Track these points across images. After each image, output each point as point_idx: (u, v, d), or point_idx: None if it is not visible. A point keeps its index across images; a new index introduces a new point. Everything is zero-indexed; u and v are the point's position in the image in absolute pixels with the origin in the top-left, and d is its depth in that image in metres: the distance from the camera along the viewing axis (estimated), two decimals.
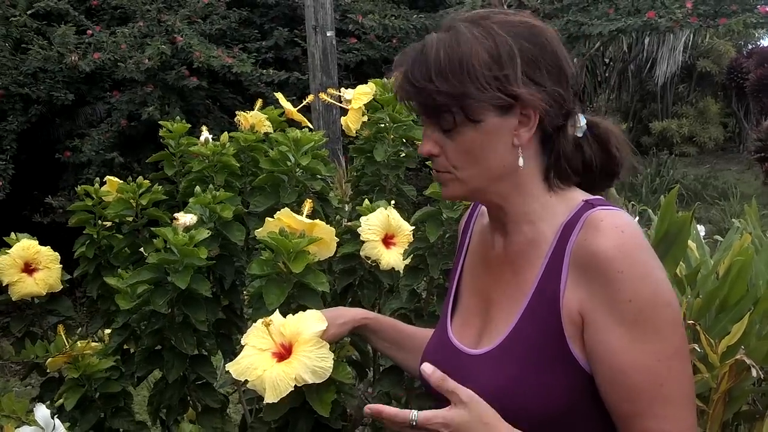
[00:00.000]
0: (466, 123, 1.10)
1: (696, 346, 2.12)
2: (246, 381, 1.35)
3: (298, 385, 1.33)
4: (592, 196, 1.16)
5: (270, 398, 1.31)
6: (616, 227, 1.07)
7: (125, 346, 1.88)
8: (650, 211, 3.92)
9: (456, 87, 1.08)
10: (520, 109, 1.10)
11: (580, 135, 1.17)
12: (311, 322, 1.38)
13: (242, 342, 1.40)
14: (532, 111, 1.10)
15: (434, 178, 1.20)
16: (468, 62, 1.08)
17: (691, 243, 2.64)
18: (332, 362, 1.35)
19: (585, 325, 1.07)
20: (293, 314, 1.43)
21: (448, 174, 1.16)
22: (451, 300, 1.31)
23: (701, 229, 3.09)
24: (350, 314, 1.46)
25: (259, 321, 1.41)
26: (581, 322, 1.08)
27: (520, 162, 1.12)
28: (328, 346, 1.37)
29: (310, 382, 1.34)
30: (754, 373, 2.01)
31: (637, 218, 3.24)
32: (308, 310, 1.42)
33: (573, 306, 1.08)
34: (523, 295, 1.14)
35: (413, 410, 1.06)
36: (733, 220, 6.50)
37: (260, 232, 1.63)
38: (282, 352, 1.37)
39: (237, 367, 1.35)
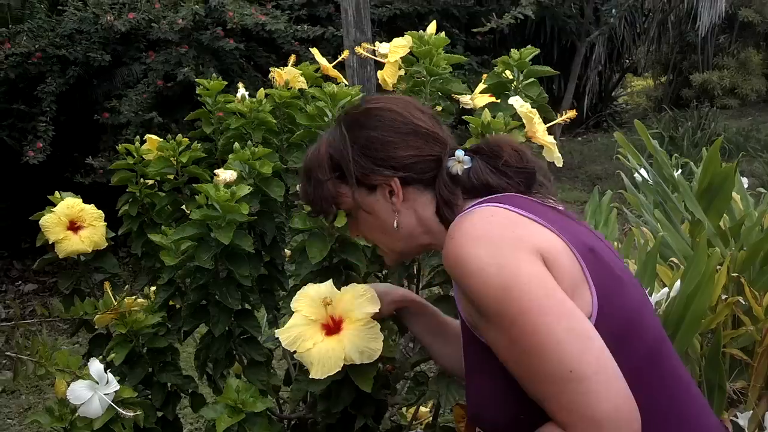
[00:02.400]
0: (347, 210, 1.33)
1: (740, 299, 2.09)
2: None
3: (346, 364, 1.33)
4: (471, 203, 1.21)
5: (316, 374, 1.32)
6: (450, 237, 1.13)
7: (171, 302, 1.91)
8: (692, 164, 3.86)
9: (313, 190, 1.31)
10: (381, 184, 1.26)
11: (468, 166, 1.25)
12: (365, 302, 1.37)
13: (292, 306, 1.40)
14: (393, 182, 1.25)
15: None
16: (313, 168, 1.31)
17: (735, 195, 2.60)
18: (381, 344, 1.35)
19: (476, 327, 1.15)
20: (336, 270, 1.44)
21: (378, 248, 1.37)
22: None
23: (744, 182, 3.04)
24: (399, 293, 1.51)
25: (311, 287, 1.41)
26: (476, 327, 1.15)
27: (395, 224, 1.27)
28: (379, 326, 1.36)
29: (358, 362, 1.34)
30: None
31: (679, 171, 3.18)
32: (361, 286, 1.41)
33: (465, 313, 1.18)
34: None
35: None
36: None
37: None
38: (332, 325, 1.37)
39: (287, 335, 1.36)
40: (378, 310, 1.36)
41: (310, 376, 1.33)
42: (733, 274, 2.13)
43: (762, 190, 3.87)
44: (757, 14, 12.09)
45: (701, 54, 12.28)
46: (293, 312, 1.40)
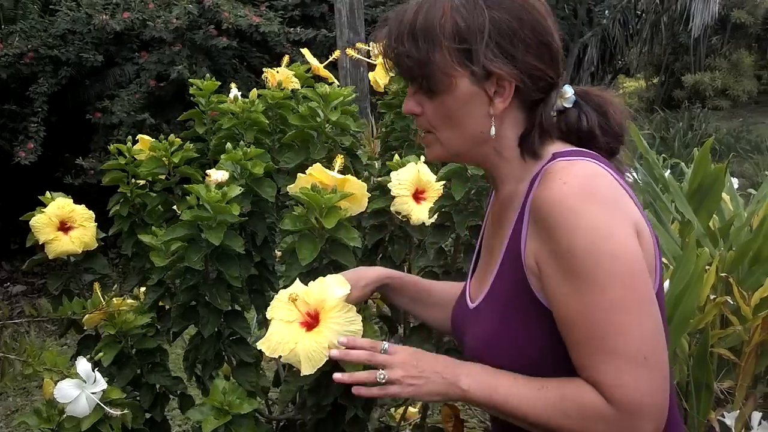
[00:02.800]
0: (429, 88, 1.15)
1: (729, 299, 2.11)
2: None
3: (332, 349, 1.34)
4: (565, 148, 1.16)
5: (306, 371, 1.31)
6: (560, 179, 1.08)
7: (160, 303, 1.91)
8: (683, 164, 3.88)
9: (422, 53, 1.12)
10: (496, 80, 1.12)
11: (568, 105, 1.18)
12: (334, 288, 1.37)
13: (268, 316, 1.40)
14: (508, 83, 1.12)
15: (419, 139, 1.25)
16: (436, 30, 1.11)
17: (724, 195, 2.62)
18: (361, 324, 1.35)
19: (540, 275, 1.10)
20: (326, 270, 1.44)
21: (430, 135, 1.21)
22: (475, 254, 1.37)
23: (734, 182, 3.06)
24: (372, 275, 1.47)
25: (282, 293, 1.41)
26: (539, 272, 1.10)
27: (492, 132, 1.15)
28: (355, 308, 1.37)
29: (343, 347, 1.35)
30: None
31: (669, 172, 3.20)
32: (329, 275, 1.42)
33: (531, 256, 1.11)
34: (501, 250, 1.18)
35: (378, 371, 1.18)
36: (766, 173, 6.40)
37: (293, 188, 1.63)
38: (309, 320, 1.36)
39: (268, 344, 1.35)
40: (348, 291, 1.36)
41: (302, 374, 1.34)
42: (722, 274, 2.15)
43: (752, 191, 3.88)
44: (750, 16, 12.15)
45: (693, 55, 12.33)
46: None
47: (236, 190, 1.66)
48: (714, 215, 2.54)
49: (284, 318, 1.37)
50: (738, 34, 12.57)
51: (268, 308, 1.40)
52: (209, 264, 1.68)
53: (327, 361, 1.33)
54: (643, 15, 12.04)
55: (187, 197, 1.69)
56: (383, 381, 1.16)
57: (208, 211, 1.62)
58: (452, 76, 1.12)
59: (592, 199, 1.05)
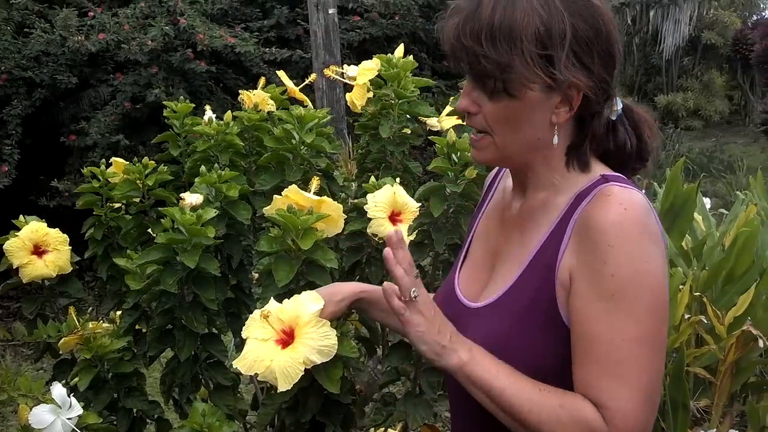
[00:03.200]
0: (506, 92, 1.10)
1: (703, 318, 2.13)
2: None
3: (307, 367, 1.34)
4: (612, 172, 1.16)
5: (283, 387, 1.32)
6: (620, 203, 1.07)
7: (137, 326, 1.90)
8: (656, 184, 3.92)
9: (502, 56, 1.07)
10: (565, 89, 1.10)
11: (614, 118, 1.17)
12: (307, 304, 1.37)
13: (243, 335, 1.40)
14: (576, 93, 1.10)
15: (470, 141, 1.20)
16: (518, 33, 1.06)
17: (696, 215, 2.65)
18: (336, 339, 1.36)
19: (570, 291, 1.10)
20: (303, 291, 1.44)
21: (486, 137, 1.16)
22: (464, 252, 1.34)
23: (707, 202, 3.10)
24: (347, 289, 1.46)
25: (256, 312, 1.40)
26: (570, 287, 1.10)
27: (555, 140, 1.13)
28: (329, 323, 1.37)
29: (318, 362, 1.34)
30: (761, 344, 2.02)
31: (643, 191, 3.22)
32: (303, 292, 1.42)
33: (566, 271, 1.10)
34: (526, 256, 1.17)
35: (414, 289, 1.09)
36: (738, 192, 6.49)
37: (268, 210, 1.63)
38: (284, 338, 1.37)
39: (244, 363, 1.35)
40: (322, 306, 1.37)
41: (279, 391, 1.34)
42: (696, 294, 2.17)
43: (724, 211, 3.94)
44: (720, 37, 12.36)
45: (666, 76, 12.51)
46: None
47: (211, 213, 1.65)
48: (687, 235, 2.56)
49: (259, 336, 1.38)
50: (709, 55, 12.77)
51: (244, 328, 1.40)
52: (185, 287, 1.67)
53: (304, 377, 1.33)
54: None
55: (162, 220, 1.68)
56: (415, 296, 1.09)
57: (183, 233, 1.61)
58: (530, 81, 1.08)
59: (646, 233, 1.07)
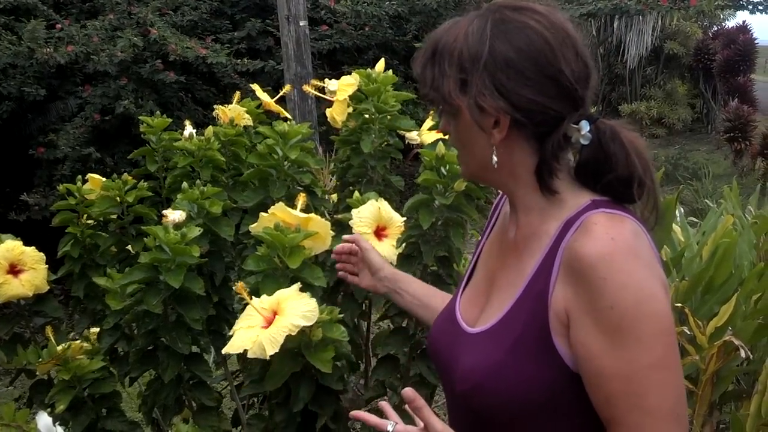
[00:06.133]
0: (449, 114, 1.16)
1: (684, 329, 2.14)
2: (244, 367, 1.37)
3: (292, 332, 1.37)
4: (601, 197, 1.14)
5: (271, 350, 1.34)
6: (606, 233, 1.06)
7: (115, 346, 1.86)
8: None
9: (436, 80, 1.13)
10: (494, 112, 1.10)
11: (585, 142, 1.14)
12: (289, 289, 1.45)
13: (231, 333, 1.44)
14: (503, 115, 1.10)
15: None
16: (446, 57, 1.12)
17: (675, 226, 2.67)
18: (317, 304, 1.41)
19: (570, 325, 1.08)
20: None
21: (459, 158, 1.23)
22: (468, 274, 1.34)
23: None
24: (389, 271, 1.49)
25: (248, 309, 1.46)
26: (567, 321, 1.08)
27: (494, 160, 1.14)
28: (309, 294, 1.43)
29: (303, 324, 1.38)
30: (742, 353, 2.04)
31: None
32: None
33: (560, 303, 1.09)
34: (520, 284, 1.15)
35: (391, 422, 1.12)
36: (706, 200, 6.57)
37: (255, 228, 1.61)
38: (270, 318, 1.41)
39: (231, 345, 1.39)
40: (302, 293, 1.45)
41: (268, 355, 1.35)
42: (677, 304, 2.18)
43: (693, 219, 3.98)
44: (682, 47, 12.56)
45: (629, 85, 12.67)
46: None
47: (195, 231, 1.63)
48: (665, 246, 2.58)
49: (245, 325, 1.42)
50: (672, 64, 12.96)
51: (234, 327, 1.46)
52: (169, 307, 1.64)
53: (296, 362, 1.40)
54: None
55: (145, 239, 1.65)
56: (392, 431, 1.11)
57: (167, 253, 1.58)
58: (452, 100, 1.12)
59: (638, 260, 1.05)
